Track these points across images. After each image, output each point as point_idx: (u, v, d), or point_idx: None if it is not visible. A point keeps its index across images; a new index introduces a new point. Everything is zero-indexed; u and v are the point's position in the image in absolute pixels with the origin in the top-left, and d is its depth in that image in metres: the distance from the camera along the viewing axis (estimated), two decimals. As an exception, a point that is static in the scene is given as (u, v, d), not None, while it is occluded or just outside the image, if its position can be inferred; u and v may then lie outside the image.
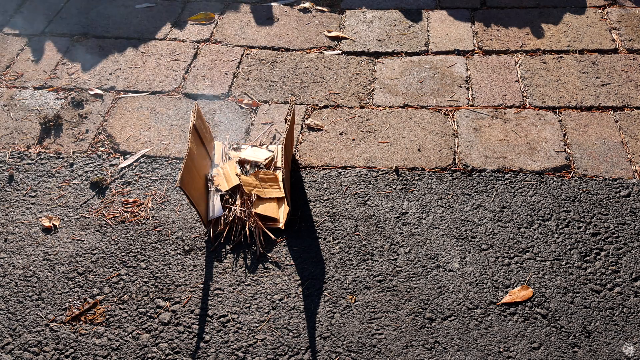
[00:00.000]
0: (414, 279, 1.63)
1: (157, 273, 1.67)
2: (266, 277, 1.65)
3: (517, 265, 1.65)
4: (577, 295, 1.57)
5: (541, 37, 2.41)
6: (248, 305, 1.59)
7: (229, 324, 1.55)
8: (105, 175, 1.95)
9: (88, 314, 1.59)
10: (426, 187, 1.86)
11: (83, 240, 1.76)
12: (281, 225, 1.75)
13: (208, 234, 1.75)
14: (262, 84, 2.27)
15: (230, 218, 1.76)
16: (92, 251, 1.73)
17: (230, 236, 1.74)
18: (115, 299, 1.62)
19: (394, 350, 1.49)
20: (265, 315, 1.57)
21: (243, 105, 2.18)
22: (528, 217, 1.76)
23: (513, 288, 1.59)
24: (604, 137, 1.99)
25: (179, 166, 1.97)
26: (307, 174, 1.93)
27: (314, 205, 1.83)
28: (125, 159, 2.00)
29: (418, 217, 1.78)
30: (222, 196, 1.80)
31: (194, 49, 2.45)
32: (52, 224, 1.80)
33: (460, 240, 1.71)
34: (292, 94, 2.22)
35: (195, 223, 1.79)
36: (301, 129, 2.08)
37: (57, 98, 2.25)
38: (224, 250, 1.72)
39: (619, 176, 1.86)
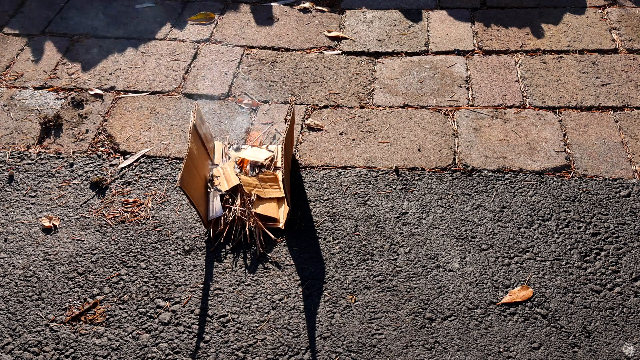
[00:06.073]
0: (414, 279, 1.63)
1: (157, 273, 1.67)
2: (266, 277, 1.65)
3: (517, 265, 1.65)
4: (577, 295, 1.57)
5: (541, 37, 2.41)
6: (248, 305, 1.59)
7: (229, 324, 1.55)
8: (105, 175, 1.95)
9: (88, 314, 1.59)
10: (426, 187, 1.86)
11: (83, 240, 1.76)
12: (281, 225, 1.75)
13: (208, 234, 1.75)
14: (262, 84, 2.27)
15: (230, 218, 1.76)
16: (92, 251, 1.73)
17: (230, 236, 1.74)
18: (115, 299, 1.62)
19: (394, 350, 1.49)
20: (265, 315, 1.57)
21: (243, 105, 2.18)
22: (528, 217, 1.76)
23: (513, 288, 1.59)
24: (604, 137, 1.99)
25: (179, 166, 1.97)
26: (307, 174, 1.93)
27: (314, 205, 1.83)
28: (125, 159, 2.00)
29: (418, 217, 1.78)
30: (222, 196, 1.80)
31: (194, 49, 2.45)
32: (52, 224, 1.80)
33: (460, 240, 1.71)
34: (292, 94, 2.22)
35: (195, 223, 1.79)
36: (301, 129, 2.08)
37: (57, 98, 2.25)
38: (224, 250, 1.72)
39: (619, 176, 1.86)
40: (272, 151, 1.96)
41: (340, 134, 2.05)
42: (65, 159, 2.01)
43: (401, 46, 2.42)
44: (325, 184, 1.89)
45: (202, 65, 2.37)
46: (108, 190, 1.90)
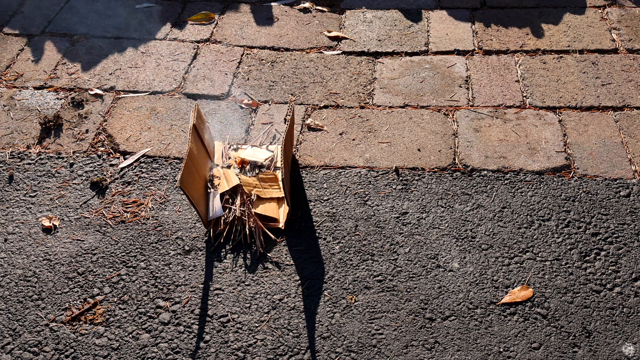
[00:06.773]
0: (414, 279, 1.63)
1: (157, 273, 1.67)
2: (266, 277, 1.65)
3: (517, 265, 1.65)
4: (577, 295, 1.57)
5: (541, 37, 2.41)
6: (248, 305, 1.59)
7: (229, 324, 1.55)
8: (105, 175, 1.95)
9: (88, 314, 1.59)
10: (426, 187, 1.86)
11: (83, 240, 1.76)
12: (281, 225, 1.75)
13: (208, 234, 1.75)
14: (262, 84, 2.27)
15: (230, 218, 1.76)
16: (92, 251, 1.73)
17: (230, 236, 1.74)
18: (115, 299, 1.62)
19: (394, 350, 1.49)
20: (265, 315, 1.57)
21: (243, 105, 2.18)
22: (528, 217, 1.76)
23: (513, 288, 1.59)
24: (604, 137, 1.99)
25: (179, 166, 1.97)
26: (307, 174, 1.93)
27: (314, 205, 1.83)
28: (125, 159, 2.00)
29: (418, 217, 1.78)
30: (222, 196, 1.80)
31: (194, 49, 2.45)
32: (52, 224, 1.80)
33: (460, 240, 1.71)
34: (292, 94, 2.22)
35: (195, 223, 1.79)
36: (301, 129, 2.08)
37: (57, 98, 2.25)
38: (224, 250, 1.72)
39: (619, 176, 1.86)
40: (272, 151, 1.96)
41: (340, 134, 2.05)
42: (65, 159, 2.01)
43: (401, 46, 2.42)
44: (325, 184, 1.89)
45: (202, 65, 2.37)
46: (108, 190, 1.90)
